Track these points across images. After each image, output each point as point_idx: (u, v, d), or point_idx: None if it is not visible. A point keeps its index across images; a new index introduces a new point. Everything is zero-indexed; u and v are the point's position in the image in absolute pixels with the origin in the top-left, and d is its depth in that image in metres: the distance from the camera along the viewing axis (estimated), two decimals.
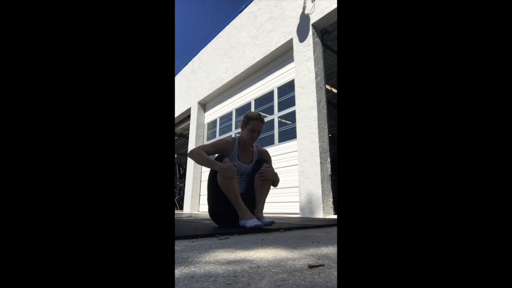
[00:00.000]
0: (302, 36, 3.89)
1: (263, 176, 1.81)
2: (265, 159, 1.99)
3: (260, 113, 1.99)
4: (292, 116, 4.06)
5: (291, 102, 4.14)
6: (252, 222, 1.61)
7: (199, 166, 6.31)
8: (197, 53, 7.04)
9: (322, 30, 3.88)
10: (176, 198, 8.79)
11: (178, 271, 0.67)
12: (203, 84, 6.43)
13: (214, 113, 6.28)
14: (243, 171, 1.93)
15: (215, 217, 1.89)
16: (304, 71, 3.74)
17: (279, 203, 3.99)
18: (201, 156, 1.76)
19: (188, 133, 7.07)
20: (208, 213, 1.93)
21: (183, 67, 7.75)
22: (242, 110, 5.39)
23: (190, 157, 1.81)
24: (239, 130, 5.32)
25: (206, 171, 6.14)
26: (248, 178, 1.95)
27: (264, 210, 3.58)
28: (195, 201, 6.17)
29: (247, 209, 1.71)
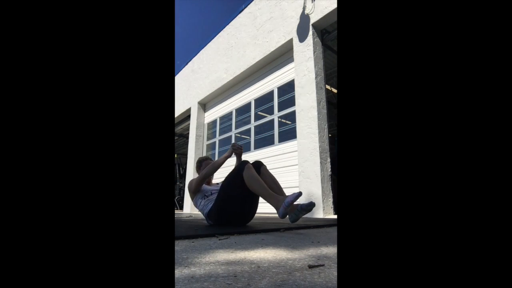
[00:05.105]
0: (302, 36, 3.89)
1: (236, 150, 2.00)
2: None
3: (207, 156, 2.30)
4: (292, 116, 4.06)
5: (291, 102, 4.14)
6: (290, 197, 1.51)
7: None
8: (197, 53, 7.05)
9: (322, 30, 3.88)
10: (176, 198, 8.78)
11: (178, 271, 0.67)
12: (203, 84, 6.43)
13: (214, 113, 6.27)
14: (212, 191, 1.99)
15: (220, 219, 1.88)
16: (304, 71, 3.74)
17: None
18: (207, 167, 1.94)
19: (188, 133, 7.07)
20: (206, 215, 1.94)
21: (183, 67, 7.75)
22: (242, 110, 5.39)
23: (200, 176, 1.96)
24: (239, 130, 5.32)
25: None
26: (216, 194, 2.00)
27: (264, 210, 3.58)
28: None
29: (277, 195, 1.65)
